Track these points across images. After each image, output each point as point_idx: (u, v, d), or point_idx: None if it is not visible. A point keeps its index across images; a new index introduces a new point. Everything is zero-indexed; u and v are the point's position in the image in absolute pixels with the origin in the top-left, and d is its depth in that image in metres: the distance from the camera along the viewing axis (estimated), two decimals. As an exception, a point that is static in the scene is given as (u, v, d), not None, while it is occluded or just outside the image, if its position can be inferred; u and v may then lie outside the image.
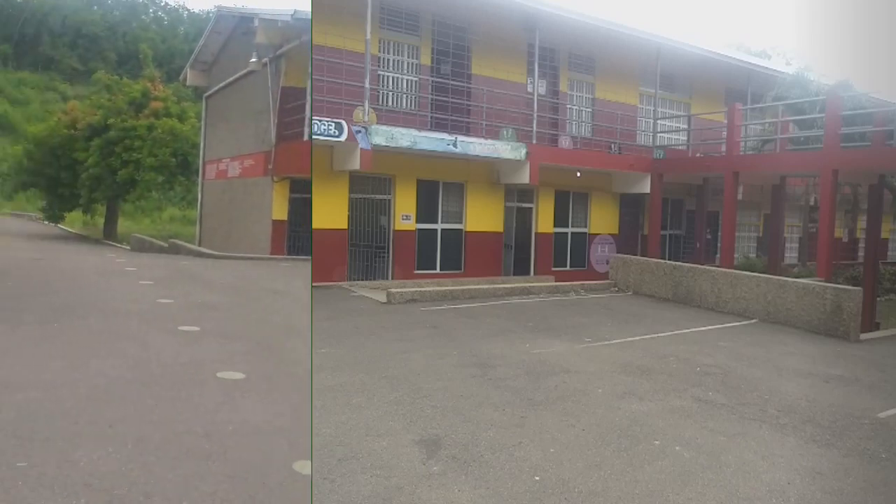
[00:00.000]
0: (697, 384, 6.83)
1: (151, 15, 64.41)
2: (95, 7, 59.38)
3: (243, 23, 18.39)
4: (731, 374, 7.30)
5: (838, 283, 12.55)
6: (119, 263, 15.25)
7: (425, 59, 14.90)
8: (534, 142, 15.13)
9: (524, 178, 14.85)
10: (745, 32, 70.79)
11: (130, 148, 23.03)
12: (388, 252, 14.38)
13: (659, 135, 18.27)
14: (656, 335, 9.32)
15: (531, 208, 16.68)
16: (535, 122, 15.32)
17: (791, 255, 21.79)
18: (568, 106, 17.49)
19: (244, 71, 18.25)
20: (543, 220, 16.79)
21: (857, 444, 5.37)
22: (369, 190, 14.17)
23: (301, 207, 16.77)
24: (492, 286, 12.75)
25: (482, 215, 15.51)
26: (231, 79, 20.18)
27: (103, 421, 4.58)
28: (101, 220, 28.79)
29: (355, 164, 12.63)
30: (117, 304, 9.13)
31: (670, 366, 7.55)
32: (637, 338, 9.05)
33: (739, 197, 16.36)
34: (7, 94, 48.29)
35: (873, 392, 7.06)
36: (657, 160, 17.46)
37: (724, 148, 16.76)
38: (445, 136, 13.67)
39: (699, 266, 13.23)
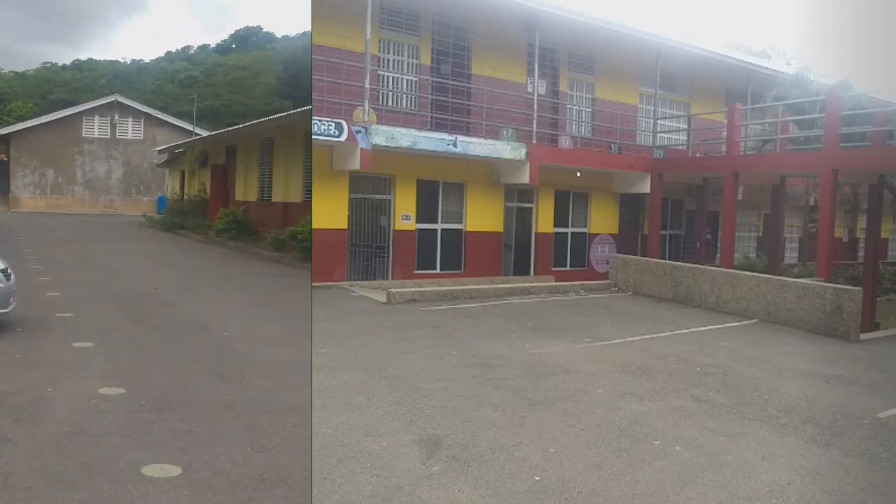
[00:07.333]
0: (697, 384, 6.83)
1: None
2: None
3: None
4: (731, 374, 7.30)
5: (838, 283, 12.54)
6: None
7: (425, 59, 14.88)
8: (534, 142, 15.12)
9: (524, 178, 14.84)
10: (745, 32, 70.71)
11: None
12: (388, 252, 14.37)
13: (659, 135, 18.25)
14: (656, 335, 9.32)
15: (531, 208, 16.67)
16: (535, 122, 15.30)
17: (791, 255, 21.75)
18: (568, 106, 17.47)
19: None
20: (543, 220, 16.77)
21: (857, 444, 5.37)
22: (369, 190, 14.16)
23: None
24: (492, 286, 12.75)
25: (482, 215, 15.50)
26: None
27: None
28: None
29: (355, 164, 12.63)
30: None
31: (670, 366, 7.55)
32: (637, 338, 9.05)
33: (739, 197, 16.34)
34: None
35: (873, 392, 7.05)
36: (657, 160, 17.45)
37: (724, 148, 16.75)
38: (445, 136, 13.66)
39: (699, 266, 13.23)
